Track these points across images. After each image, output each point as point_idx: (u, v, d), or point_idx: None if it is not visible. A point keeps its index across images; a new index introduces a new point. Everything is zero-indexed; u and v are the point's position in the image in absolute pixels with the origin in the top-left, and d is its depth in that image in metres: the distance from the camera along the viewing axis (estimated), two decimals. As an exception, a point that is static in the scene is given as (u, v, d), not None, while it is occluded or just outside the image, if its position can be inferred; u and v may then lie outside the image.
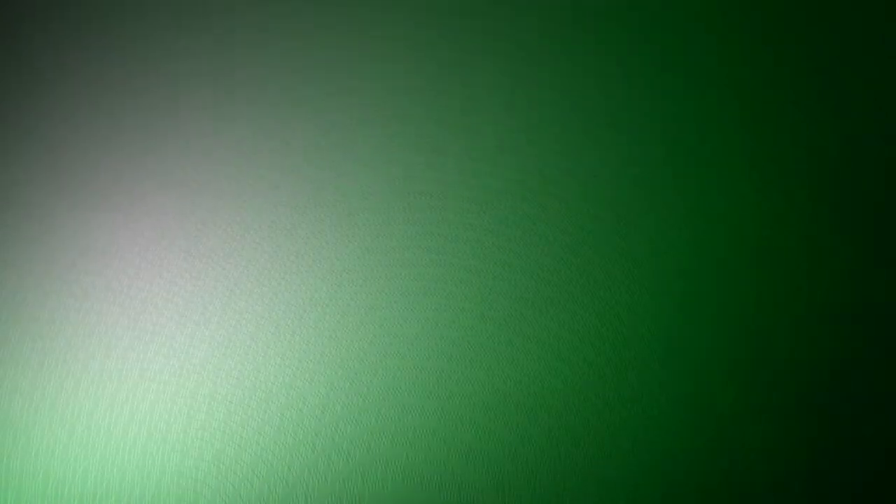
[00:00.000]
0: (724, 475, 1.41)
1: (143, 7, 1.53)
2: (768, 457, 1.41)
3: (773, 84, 1.49)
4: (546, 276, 1.47)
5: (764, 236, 1.47)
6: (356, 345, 1.48)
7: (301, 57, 1.52)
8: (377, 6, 1.52)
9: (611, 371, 1.46)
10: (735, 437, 1.42)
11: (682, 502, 1.41)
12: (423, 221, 1.49)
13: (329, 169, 1.50)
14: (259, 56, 1.52)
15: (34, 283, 1.50)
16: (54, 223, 1.51)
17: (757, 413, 1.42)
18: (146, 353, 1.48)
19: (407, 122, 1.50)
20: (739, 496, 1.40)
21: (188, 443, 1.46)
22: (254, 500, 1.45)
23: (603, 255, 1.48)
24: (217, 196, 1.51)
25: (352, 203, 1.50)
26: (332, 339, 1.48)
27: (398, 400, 1.46)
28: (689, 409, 1.44)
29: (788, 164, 1.48)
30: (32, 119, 1.53)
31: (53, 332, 1.49)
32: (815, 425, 1.41)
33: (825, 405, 1.42)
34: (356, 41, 1.51)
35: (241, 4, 1.52)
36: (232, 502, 1.45)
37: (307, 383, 1.47)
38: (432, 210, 1.49)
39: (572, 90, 1.50)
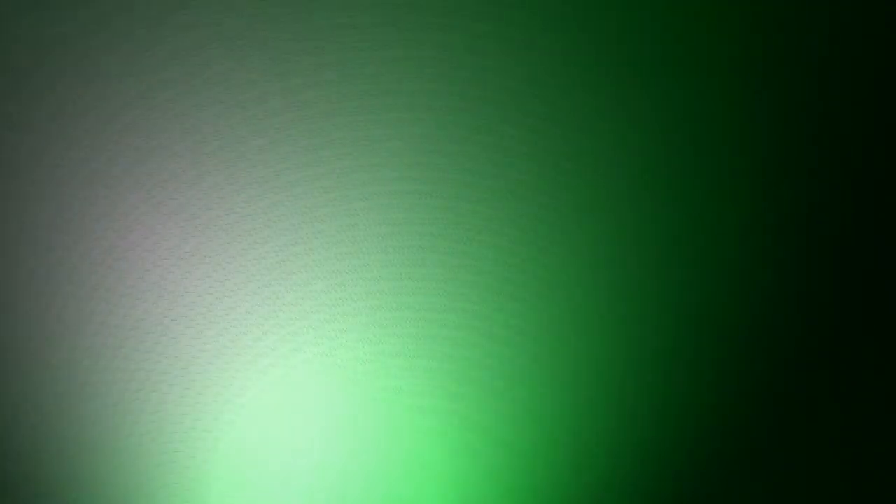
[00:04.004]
0: None
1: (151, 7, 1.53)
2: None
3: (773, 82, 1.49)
4: (546, 277, 1.47)
5: (768, 239, 1.47)
6: (359, 346, 1.48)
7: (304, 59, 1.51)
8: (373, 4, 1.51)
9: (619, 375, 1.47)
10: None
11: None
12: (425, 222, 1.49)
13: (329, 170, 1.50)
14: (259, 56, 1.52)
15: (32, 282, 1.50)
16: (48, 221, 1.51)
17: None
18: (150, 354, 1.49)
19: (412, 124, 1.50)
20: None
21: (193, 443, 1.47)
22: None
23: (608, 258, 1.48)
24: (219, 200, 1.51)
25: (353, 204, 1.50)
26: (334, 340, 1.48)
27: (401, 401, 1.47)
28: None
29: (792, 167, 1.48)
30: (26, 117, 1.53)
31: (54, 333, 1.50)
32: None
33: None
34: (358, 45, 1.51)
35: (242, 5, 1.52)
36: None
37: (310, 385, 1.48)
38: (434, 210, 1.49)
39: (572, 89, 1.49)
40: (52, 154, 1.51)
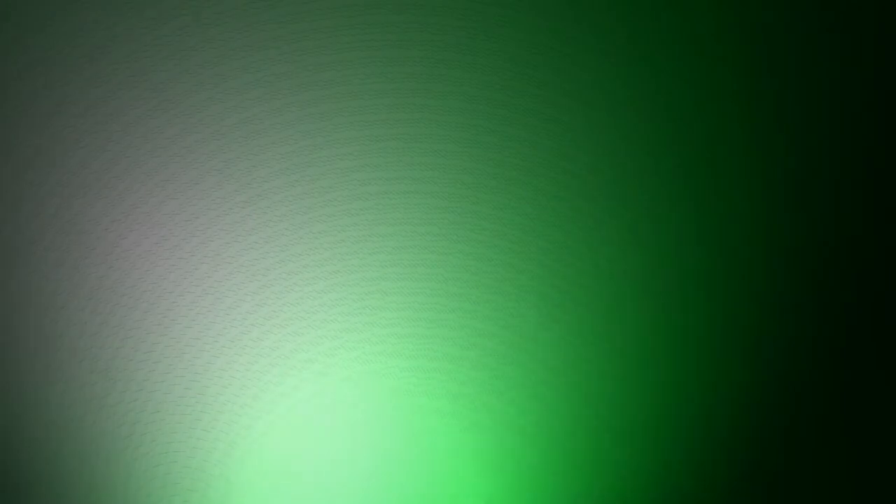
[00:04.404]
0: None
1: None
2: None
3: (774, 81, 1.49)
4: (546, 277, 1.47)
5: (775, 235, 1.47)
6: (360, 346, 1.48)
7: (304, 59, 1.51)
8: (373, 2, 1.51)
9: (620, 374, 1.47)
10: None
11: None
12: (425, 222, 1.49)
13: (329, 170, 1.51)
14: (259, 56, 1.52)
15: (32, 282, 1.50)
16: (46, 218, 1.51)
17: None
18: (150, 354, 1.49)
19: (412, 124, 1.50)
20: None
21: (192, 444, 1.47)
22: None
23: (608, 258, 1.48)
24: (219, 200, 1.51)
25: (353, 204, 1.50)
26: (334, 340, 1.48)
27: (401, 401, 1.47)
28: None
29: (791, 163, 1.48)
30: (26, 117, 1.53)
31: (54, 333, 1.50)
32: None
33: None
34: (356, 43, 1.51)
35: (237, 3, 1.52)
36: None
37: (310, 385, 1.48)
38: (434, 210, 1.50)
39: (572, 89, 1.49)
40: (52, 154, 1.51)
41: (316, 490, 1.47)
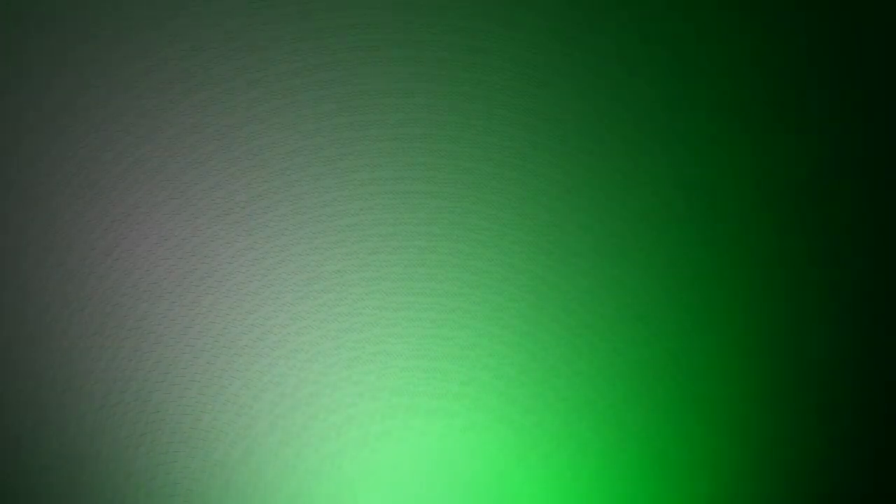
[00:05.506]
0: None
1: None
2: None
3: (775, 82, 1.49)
4: (546, 276, 1.47)
5: (768, 237, 1.47)
6: (360, 346, 1.48)
7: (304, 59, 1.52)
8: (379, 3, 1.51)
9: (620, 374, 1.47)
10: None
11: None
12: (425, 222, 1.50)
13: (329, 170, 1.51)
14: (259, 56, 1.52)
15: (32, 283, 1.50)
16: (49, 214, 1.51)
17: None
18: (150, 354, 1.49)
19: (412, 124, 1.50)
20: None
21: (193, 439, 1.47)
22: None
23: (608, 258, 1.48)
24: (219, 200, 1.51)
25: (353, 204, 1.50)
26: (335, 340, 1.48)
27: (401, 401, 1.47)
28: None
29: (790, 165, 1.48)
30: (26, 117, 1.53)
31: (54, 333, 1.50)
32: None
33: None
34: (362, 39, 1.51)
35: None
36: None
37: (311, 385, 1.48)
38: (434, 210, 1.50)
39: (573, 89, 1.49)
40: (52, 154, 1.51)
41: (315, 490, 1.47)
